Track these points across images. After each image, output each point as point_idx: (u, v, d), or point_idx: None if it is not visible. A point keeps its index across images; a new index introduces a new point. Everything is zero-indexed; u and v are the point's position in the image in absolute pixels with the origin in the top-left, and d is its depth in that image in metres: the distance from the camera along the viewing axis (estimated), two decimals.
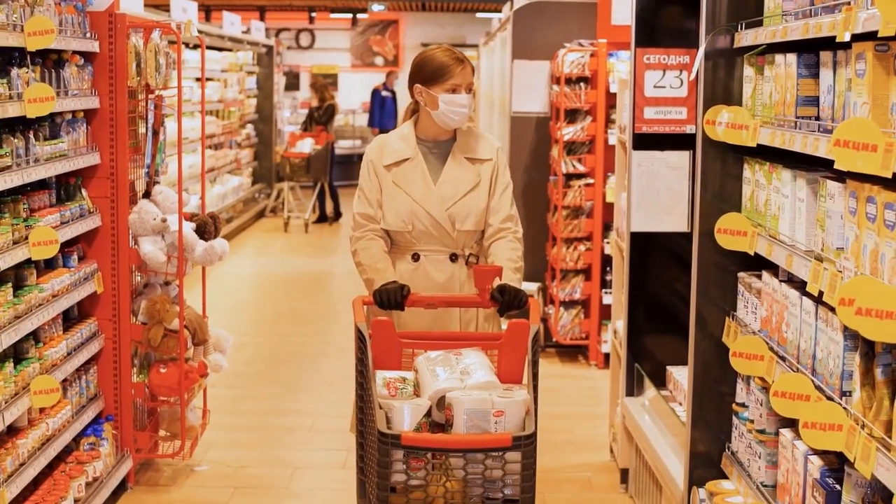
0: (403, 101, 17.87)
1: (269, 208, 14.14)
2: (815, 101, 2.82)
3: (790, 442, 2.91)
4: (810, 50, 2.85)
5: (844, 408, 2.47)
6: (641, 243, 4.73)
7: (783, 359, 2.94)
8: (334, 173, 13.79)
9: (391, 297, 3.42)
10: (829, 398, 2.57)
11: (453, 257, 3.69)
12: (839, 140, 2.26)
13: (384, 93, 17.12)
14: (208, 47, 9.27)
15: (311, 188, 13.69)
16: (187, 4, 10.40)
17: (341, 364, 6.80)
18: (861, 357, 2.42)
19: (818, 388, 2.66)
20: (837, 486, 2.61)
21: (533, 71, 7.35)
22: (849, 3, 2.45)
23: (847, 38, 2.42)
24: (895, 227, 2.22)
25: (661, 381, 4.55)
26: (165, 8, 12.99)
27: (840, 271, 2.51)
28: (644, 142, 4.63)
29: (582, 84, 6.90)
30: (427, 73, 3.65)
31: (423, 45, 20.36)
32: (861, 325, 2.15)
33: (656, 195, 4.60)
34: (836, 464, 2.68)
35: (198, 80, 10.50)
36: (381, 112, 17.01)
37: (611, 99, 6.72)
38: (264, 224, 13.55)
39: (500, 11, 13.94)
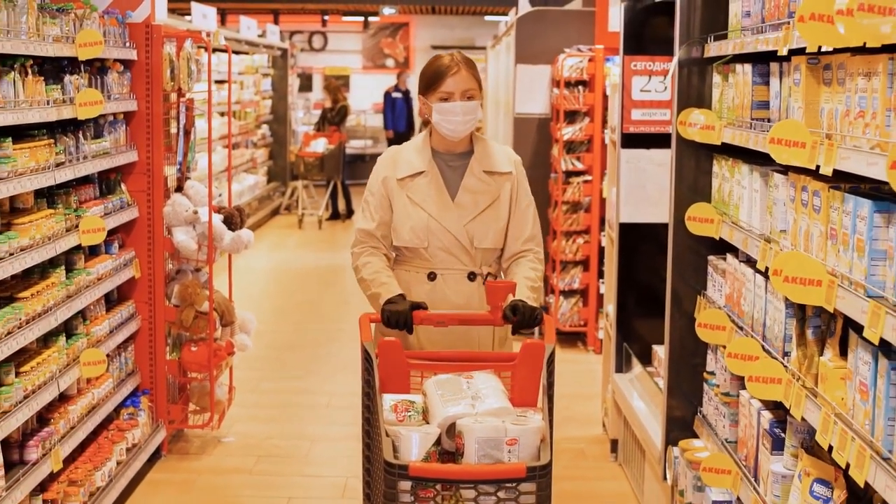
0: (416, 101, 18.37)
1: (284, 206, 14.60)
2: (766, 105, 3.26)
3: (748, 401, 3.35)
4: (764, 61, 3.29)
5: (784, 365, 2.92)
6: (630, 234, 5.19)
7: (741, 328, 3.39)
8: (345, 173, 14.23)
9: (399, 318, 3.26)
10: (774, 358, 3.02)
11: (471, 276, 3.51)
12: (774, 138, 2.71)
13: (395, 94, 17.37)
14: (217, 49, 9.72)
15: (324, 186, 14.15)
16: (207, 10, 10.87)
17: (353, 350, 7.26)
18: (797, 321, 2.88)
19: (766, 350, 3.11)
20: (782, 434, 3.06)
21: (535, 75, 7.81)
22: (788, 23, 2.89)
23: (786, 52, 2.87)
24: (820, 210, 2.67)
25: (647, 360, 5.00)
26: (183, 11, 13.49)
27: (782, 250, 2.95)
28: (632, 141, 5.10)
29: (580, 87, 7.35)
30: (423, 82, 3.51)
31: (432, 48, 20.84)
32: (788, 291, 2.60)
33: (643, 189, 5.07)
34: (783, 416, 3.12)
35: (220, 82, 10.97)
36: (393, 114, 17.27)
37: (607, 101, 7.14)
38: (279, 221, 14.02)
39: (507, 14, 14.39)
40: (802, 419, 2.76)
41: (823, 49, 2.61)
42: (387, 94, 17.53)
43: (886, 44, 2.17)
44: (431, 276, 3.50)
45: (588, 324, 7.46)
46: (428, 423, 2.96)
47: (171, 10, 11.94)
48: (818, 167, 2.59)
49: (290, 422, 5.87)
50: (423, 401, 3.00)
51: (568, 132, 7.36)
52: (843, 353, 2.65)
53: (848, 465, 2.39)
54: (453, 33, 20.82)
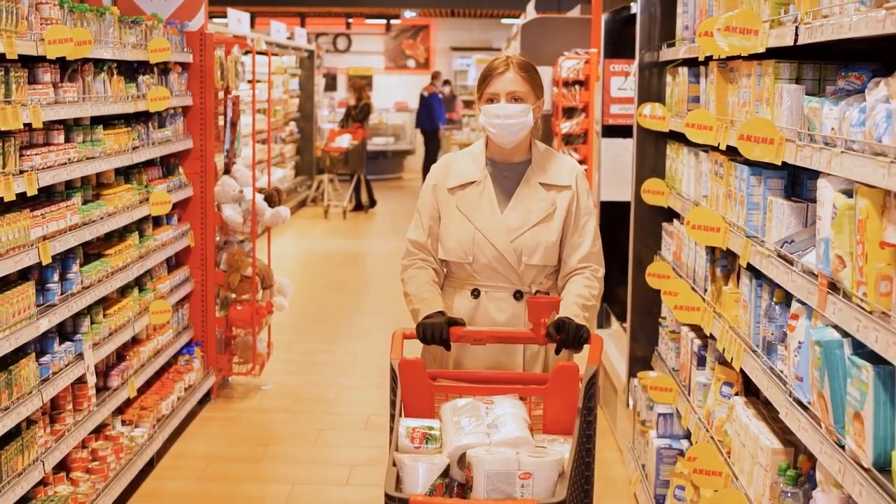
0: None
1: (311, 198, 15.51)
2: (698, 99, 4.14)
3: (686, 334, 4.23)
4: (697, 65, 4.17)
5: (702, 297, 3.81)
6: (610, 210, 6.08)
7: (680, 276, 4.27)
8: (368, 167, 15.08)
9: (435, 332, 3.06)
10: (696, 293, 3.91)
11: (518, 295, 3.28)
12: (688, 123, 3.60)
13: (438, 93, 17.76)
14: (257, 52, 10.59)
15: (348, 180, 15.06)
16: (241, 15, 11.81)
17: (373, 319, 8.19)
18: (711, 263, 3.77)
19: (693, 289, 3.99)
20: (705, 354, 3.95)
21: None
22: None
23: (704, 58, 3.75)
24: (723, 177, 3.56)
25: (624, 318, 5.86)
26: (214, 14, 14.40)
27: None
28: (611, 131, 5.99)
29: (577, 86, 8.24)
30: (477, 85, 3.34)
31: (452, 49, 21.76)
32: (695, 236, 3.49)
33: (620, 172, 5.95)
34: (707, 342, 4.01)
35: (258, 82, 11.90)
36: (428, 114, 17.57)
37: None
38: (306, 212, 14.94)
39: (519, 17, 15.28)
40: (711, 335, 3.65)
41: (731, 55, 3.49)
42: (430, 95, 17.70)
43: (753, 53, 3.05)
44: (475, 293, 3.30)
45: None
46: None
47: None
48: (719, 144, 3.48)
49: (320, 374, 6.79)
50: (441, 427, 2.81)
51: (566, 126, 8.25)
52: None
53: (732, 359, 3.28)
54: (471, 35, 21.72)
